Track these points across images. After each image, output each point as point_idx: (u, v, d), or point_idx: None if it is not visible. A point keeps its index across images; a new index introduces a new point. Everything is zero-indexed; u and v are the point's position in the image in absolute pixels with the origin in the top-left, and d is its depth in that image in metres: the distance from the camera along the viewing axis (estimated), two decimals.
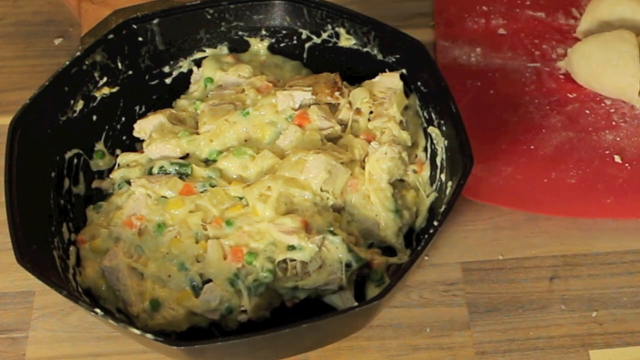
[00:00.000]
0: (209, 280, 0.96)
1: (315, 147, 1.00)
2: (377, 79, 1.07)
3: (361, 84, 1.08)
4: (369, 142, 1.02)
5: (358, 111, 1.04)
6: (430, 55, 1.03)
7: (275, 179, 0.97)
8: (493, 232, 1.06)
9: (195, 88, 1.13)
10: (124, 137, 1.10)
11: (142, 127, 1.07)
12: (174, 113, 1.08)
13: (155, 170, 1.02)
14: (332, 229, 0.96)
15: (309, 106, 1.04)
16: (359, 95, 1.05)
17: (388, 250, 1.01)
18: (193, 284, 0.96)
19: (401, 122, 1.03)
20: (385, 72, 1.08)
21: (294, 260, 0.95)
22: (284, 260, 0.95)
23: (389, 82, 1.06)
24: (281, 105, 1.04)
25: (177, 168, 1.01)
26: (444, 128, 1.00)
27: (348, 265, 0.95)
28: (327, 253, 0.95)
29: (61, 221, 1.00)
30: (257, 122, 1.04)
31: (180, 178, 1.00)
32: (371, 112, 1.04)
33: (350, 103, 1.05)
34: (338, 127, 1.04)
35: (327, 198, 0.99)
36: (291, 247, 0.94)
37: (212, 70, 1.11)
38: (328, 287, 0.96)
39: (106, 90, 1.08)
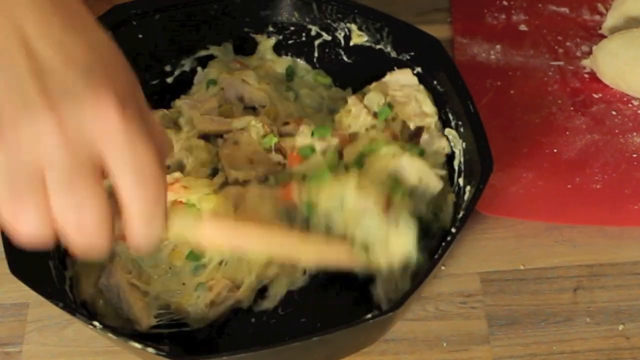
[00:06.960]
0: None
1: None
2: (387, 77, 1.07)
3: (370, 85, 1.07)
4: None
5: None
6: (447, 53, 1.03)
7: None
8: (514, 240, 1.06)
9: (196, 89, 1.13)
10: None
11: None
12: (167, 114, 1.07)
13: None
14: None
15: None
16: (374, 98, 1.05)
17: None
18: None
19: None
20: (394, 70, 1.08)
21: None
22: None
23: (403, 79, 1.06)
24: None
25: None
26: (461, 130, 1.00)
27: None
28: None
29: None
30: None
31: None
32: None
33: (367, 108, 1.05)
34: None
35: None
36: None
37: (217, 73, 1.11)
38: None
39: None
